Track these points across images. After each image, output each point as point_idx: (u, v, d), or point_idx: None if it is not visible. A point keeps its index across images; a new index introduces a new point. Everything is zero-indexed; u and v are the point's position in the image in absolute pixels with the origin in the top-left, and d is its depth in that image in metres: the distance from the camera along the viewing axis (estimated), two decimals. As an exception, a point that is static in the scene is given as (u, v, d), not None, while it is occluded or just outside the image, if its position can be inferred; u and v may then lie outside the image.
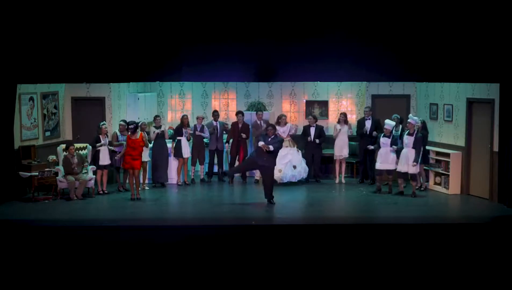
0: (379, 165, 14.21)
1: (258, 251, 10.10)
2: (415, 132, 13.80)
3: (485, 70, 12.05)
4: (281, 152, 14.45)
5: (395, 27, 11.86)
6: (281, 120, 15.27)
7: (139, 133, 13.80)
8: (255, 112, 15.89)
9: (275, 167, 13.67)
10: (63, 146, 14.32)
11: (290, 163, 15.01)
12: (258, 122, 15.60)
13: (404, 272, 9.21)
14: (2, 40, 11.84)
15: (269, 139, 13.25)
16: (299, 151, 15.36)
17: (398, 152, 14.00)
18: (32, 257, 9.88)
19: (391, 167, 14.12)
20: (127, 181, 14.30)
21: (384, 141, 14.12)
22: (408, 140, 13.78)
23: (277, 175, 14.50)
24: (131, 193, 13.69)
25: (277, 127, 15.17)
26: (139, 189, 13.90)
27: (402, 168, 13.89)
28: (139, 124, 14.13)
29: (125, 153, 13.76)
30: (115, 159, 14.39)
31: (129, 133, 13.80)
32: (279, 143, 13.33)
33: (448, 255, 9.81)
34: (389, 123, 14.22)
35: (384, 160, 14.12)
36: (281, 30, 11.82)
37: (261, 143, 13.15)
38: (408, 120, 13.97)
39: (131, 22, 11.80)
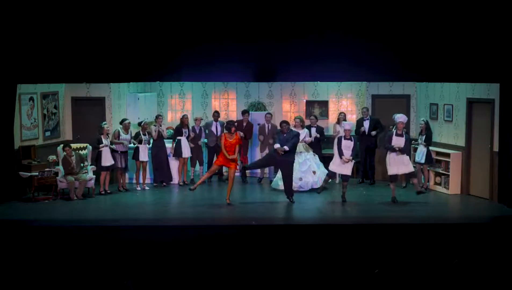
0: (394, 170, 13.14)
1: (258, 251, 10.10)
2: (404, 132, 13.18)
3: (485, 70, 12.05)
4: (299, 159, 14.11)
5: (395, 27, 11.85)
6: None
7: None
8: (265, 113, 15.73)
9: (296, 176, 13.59)
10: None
11: (309, 169, 14.51)
12: (266, 124, 15.48)
13: (404, 272, 9.21)
14: (2, 40, 11.84)
15: (284, 135, 13.10)
16: (315, 155, 14.85)
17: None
18: (32, 257, 9.89)
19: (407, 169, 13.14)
20: (127, 181, 14.53)
21: (397, 141, 13.07)
22: (396, 141, 13.09)
23: (298, 183, 14.17)
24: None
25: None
26: (139, 188, 13.94)
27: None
28: (142, 124, 14.37)
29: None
30: (117, 160, 14.37)
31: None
32: (295, 138, 13.12)
33: (448, 255, 9.81)
34: (399, 116, 13.28)
35: (399, 162, 13.08)
36: (281, 30, 11.81)
37: (276, 146, 13.01)
38: (399, 120, 13.23)
39: (131, 22, 11.79)
